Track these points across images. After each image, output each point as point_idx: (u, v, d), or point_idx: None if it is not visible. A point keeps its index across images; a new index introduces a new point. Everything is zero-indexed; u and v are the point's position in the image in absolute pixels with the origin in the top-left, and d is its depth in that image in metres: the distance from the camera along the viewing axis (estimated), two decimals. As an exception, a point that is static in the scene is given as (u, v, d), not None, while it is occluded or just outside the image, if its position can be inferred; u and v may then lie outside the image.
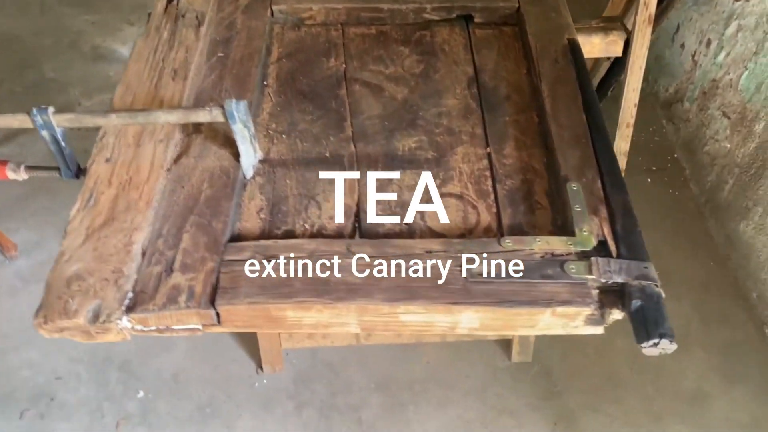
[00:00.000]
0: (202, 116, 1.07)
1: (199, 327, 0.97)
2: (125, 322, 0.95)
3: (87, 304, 0.94)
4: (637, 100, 1.99)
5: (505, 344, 1.95)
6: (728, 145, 2.17)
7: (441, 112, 1.30)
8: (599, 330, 0.97)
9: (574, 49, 1.34)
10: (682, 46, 2.42)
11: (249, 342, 1.97)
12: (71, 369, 1.93)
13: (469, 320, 0.96)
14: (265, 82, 1.36)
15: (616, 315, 0.98)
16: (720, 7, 2.20)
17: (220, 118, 1.06)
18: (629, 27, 1.80)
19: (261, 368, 1.91)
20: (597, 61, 2.23)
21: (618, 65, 2.03)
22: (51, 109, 1.10)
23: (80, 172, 1.20)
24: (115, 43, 3.01)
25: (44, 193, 2.34)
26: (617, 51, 1.55)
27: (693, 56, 2.35)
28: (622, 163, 2.13)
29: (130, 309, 0.95)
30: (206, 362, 1.96)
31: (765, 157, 1.97)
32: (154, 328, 0.97)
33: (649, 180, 2.43)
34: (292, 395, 1.88)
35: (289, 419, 1.84)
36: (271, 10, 1.50)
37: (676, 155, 2.49)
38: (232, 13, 1.48)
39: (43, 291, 0.97)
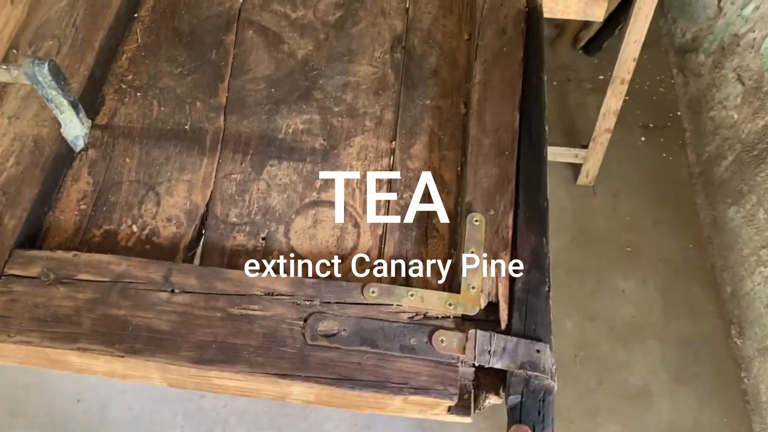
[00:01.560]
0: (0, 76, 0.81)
1: None
2: None
3: None
4: (637, 54, 1.69)
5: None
6: (736, 116, 1.86)
7: (348, 82, 1.02)
8: (467, 419, 0.76)
9: (533, 16, 1.01)
10: (710, -15, 2.03)
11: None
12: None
13: (302, 393, 0.75)
14: (135, 14, 1.07)
15: (494, 400, 0.77)
16: (760, -54, 1.81)
17: (24, 81, 0.80)
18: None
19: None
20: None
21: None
22: None
23: None
24: None
25: None
26: (598, 14, 1.23)
27: (719, 1, 1.97)
28: (611, 122, 1.84)
29: None
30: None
31: (773, 140, 1.68)
32: None
33: (643, 139, 2.14)
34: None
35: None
36: None
37: (679, 113, 2.18)
38: None
39: None
